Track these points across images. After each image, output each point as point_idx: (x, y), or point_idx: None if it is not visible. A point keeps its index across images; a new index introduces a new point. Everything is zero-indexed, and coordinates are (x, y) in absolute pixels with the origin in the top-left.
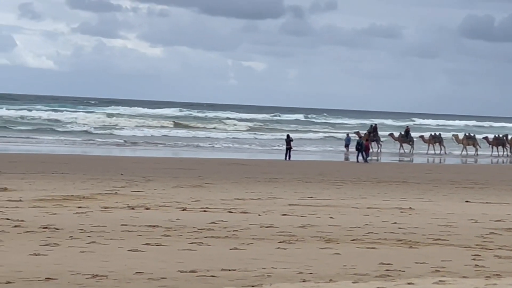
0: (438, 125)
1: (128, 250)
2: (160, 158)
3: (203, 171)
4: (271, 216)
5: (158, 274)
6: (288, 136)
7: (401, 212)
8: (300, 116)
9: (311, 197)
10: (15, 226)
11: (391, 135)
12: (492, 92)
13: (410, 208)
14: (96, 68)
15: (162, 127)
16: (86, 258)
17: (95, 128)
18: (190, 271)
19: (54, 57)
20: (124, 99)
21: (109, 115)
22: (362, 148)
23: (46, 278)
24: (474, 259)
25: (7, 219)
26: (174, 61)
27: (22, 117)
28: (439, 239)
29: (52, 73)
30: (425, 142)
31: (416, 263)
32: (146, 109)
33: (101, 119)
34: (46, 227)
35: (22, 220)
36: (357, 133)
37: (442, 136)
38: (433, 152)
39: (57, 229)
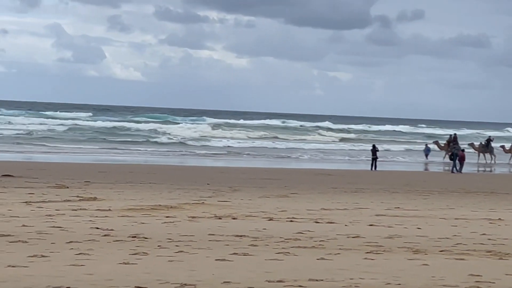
0: None
1: (216, 260)
2: (247, 168)
3: (289, 181)
4: (358, 226)
5: (245, 284)
6: (373, 146)
7: (490, 223)
8: (388, 127)
9: (398, 207)
10: (105, 235)
11: (471, 144)
12: None
13: (500, 219)
14: (183, 79)
15: (260, 138)
16: (175, 267)
17: (190, 139)
18: (278, 281)
19: (141, 68)
20: (211, 110)
21: (208, 125)
22: (456, 158)
23: (135, 287)
24: None
25: (97, 228)
26: (260, 72)
27: (117, 128)
28: None
29: (140, 84)
30: (506, 152)
31: (507, 274)
32: (242, 120)
33: (195, 130)
34: (135, 236)
35: (112, 229)
36: (436, 142)
37: None
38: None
39: (146, 238)
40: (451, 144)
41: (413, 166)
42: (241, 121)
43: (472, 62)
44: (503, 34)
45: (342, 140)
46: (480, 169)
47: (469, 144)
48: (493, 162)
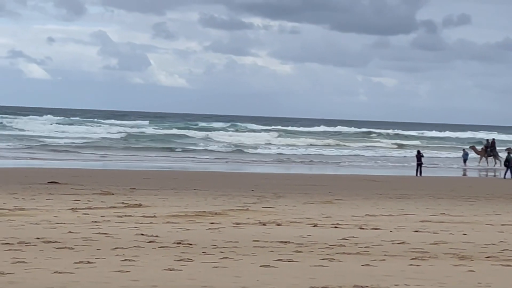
0: None
1: (261, 266)
2: (291, 175)
3: (333, 187)
4: (403, 232)
5: None
6: (418, 152)
7: None
8: (435, 133)
9: (443, 213)
10: (150, 242)
11: (509, 149)
12: None
13: None
14: (227, 86)
15: (327, 145)
16: (219, 274)
17: (250, 147)
18: (323, 287)
19: (186, 75)
20: (255, 116)
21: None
22: (510, 164)
23: None
24: None
25: (142, 234)
26: (304, 78)
27: (176, 135)
28: None
29: (185, 91)
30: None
31: None
32: (294, 127)
33: (256, 137)
34: (180, 243)
35: (157, 236)
36: (473, 147)
37: None
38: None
39: (191, 244)
40: (488, 149)
41: (459, 171)
42: (301, 128)
43: None
44: None
45: (400, 146)
46: None
47: (506, 149)
48: (498, 165)
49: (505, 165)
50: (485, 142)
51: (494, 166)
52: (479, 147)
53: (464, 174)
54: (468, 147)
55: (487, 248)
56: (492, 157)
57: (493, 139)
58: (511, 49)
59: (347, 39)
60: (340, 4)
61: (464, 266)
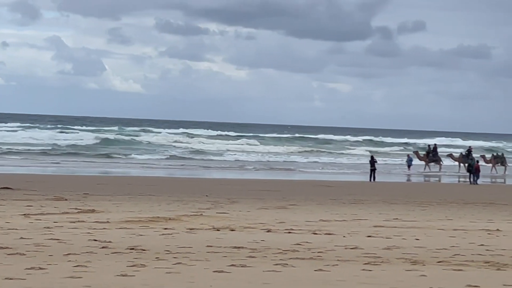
0: None
1: (214, 271)
2: (246, 180)
3: (287, 192)
4: (356, 237)
5: None
6: (372, 157)
7: (488, 233)
8: (390, 139)
9: (397, 218)
10: (103, 247)
11: (450, 155)
12: None
13: (498, 229)
14: (183, 91)
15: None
16: (172, 279)
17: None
18: None
19: (141, 80)
20: (210, 122)
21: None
22: (473, 169)
23: None
24: None
25: (95, 240)
26: (259, 83)
27: (128, 141)
28: None
29: (140, 96)
30: (486, 162)
31: (505, 285)
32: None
33: (210, 143)
34: (133, 248)
35: (110, 241)
36: (416, 153)
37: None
38: (495, 172)
39: (144, 250)
40: (430, 154)
41: (413, 177)
42: (258, 134)
43: (472, 73)
44: (504, 45)
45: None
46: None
47: (448, 155)
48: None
49: (468, 170)
50: (427, 148)
51: (439, 171)
52: (422, 153)
53: (408, 180)
54: (412, 152)
55: (439, 253)
56: (434, 162)
57: (435, 144)
58: (465, 55)
59: (303, 45)
60: (296, 10)
61: (416, 271)
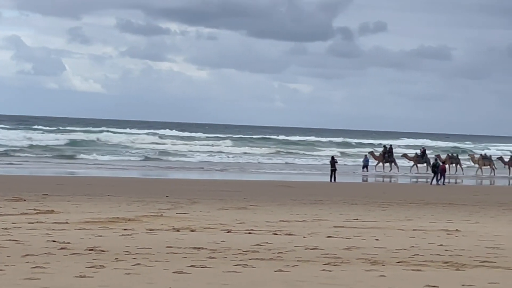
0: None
1: (173, 272)
2: (206, 180)
3: (248, 193)
4: (316, 238)
5: None
6: (332, 158)
7: (448, 234)
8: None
9: (357, 219)
10: (62, 248)
11: (405, 155)
12: None
13: (457, 230)
14: (143, 91)
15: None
16: (132, 280)
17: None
18: None
19: (102, 80)
20: (171, 122)
21: (161, 137)
22: (438, 170)
23: None
24: None
25: (54, 241)
26: (220, 84)
27: (85, 141)
28: (486, 261)
29: (100, 96)
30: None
31: (463, 285)
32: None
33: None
34: (92, 249)
35: (68, 242)
36: (372, 153)
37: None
38: (452, 172)
39: (103, 251)
40: (386, 155)
41: (372, 177)
42: (218, 135)
43: (433, 74)
44: (463, 46)
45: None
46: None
47: (402, 155)
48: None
49: (433, 171)
50: (383, 148)
51: (390, 171)
52: (377, 153)
53: (365, 180)
54: (368, 153)
55: (399, 253)
56: (389, 163)
57: (391, 145)
58: (426, 56)
59: (264, 45)
60: (257, 10)
61: (375, 271)
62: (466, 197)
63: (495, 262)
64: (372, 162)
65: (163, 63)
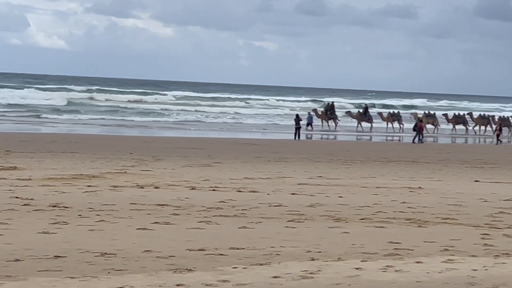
0: (440, 106)
1: (137, 229)
2: (170, 138)
3: (212, 150)
4: (280, 195)
5: (166, 253)
6: (297, 115)
7: (410, 191)
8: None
9: (320, 176)
10: (25, 205)
11: (349, 112)
12: (508, 72)
13: (420, 187)
14: (108, 48)
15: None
16: (95, 237)
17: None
18: (199, 250)
19: (66, 37)
20: (135, 79)
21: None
22: (418, 129)
23: (54, 256)
24: (483, 238)
25: (17, 197)
26: (186, 41)
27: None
28: (448, 218)
29: (64, 53)
30: (383, 120)
31: (425, 242)
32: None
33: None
34: (55, 206)
35: (32, 199)
36: (315, 110)
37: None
38: (391, 130)
39: (66, 207)
40: (328, 112)
41: (338, 135)
42: (186, 93)
43: (398, 33)
44: (430, 4)
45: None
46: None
47: (346, 112)
48: (371, 129)
49: (413, 130)
50: (326, 106)
51: (335, 129)
52: (320, 110)
53: (310, 138)
54: (311, 110)
55: (362, 210)
56: (331, 120)
57: (332, 102)
58: (392, 15)
59: (231, 2)
60: None
61: (339, 228)
62: (429, 155)
63: (457, 219)
64: (316, 120)
65: (128, 20)
